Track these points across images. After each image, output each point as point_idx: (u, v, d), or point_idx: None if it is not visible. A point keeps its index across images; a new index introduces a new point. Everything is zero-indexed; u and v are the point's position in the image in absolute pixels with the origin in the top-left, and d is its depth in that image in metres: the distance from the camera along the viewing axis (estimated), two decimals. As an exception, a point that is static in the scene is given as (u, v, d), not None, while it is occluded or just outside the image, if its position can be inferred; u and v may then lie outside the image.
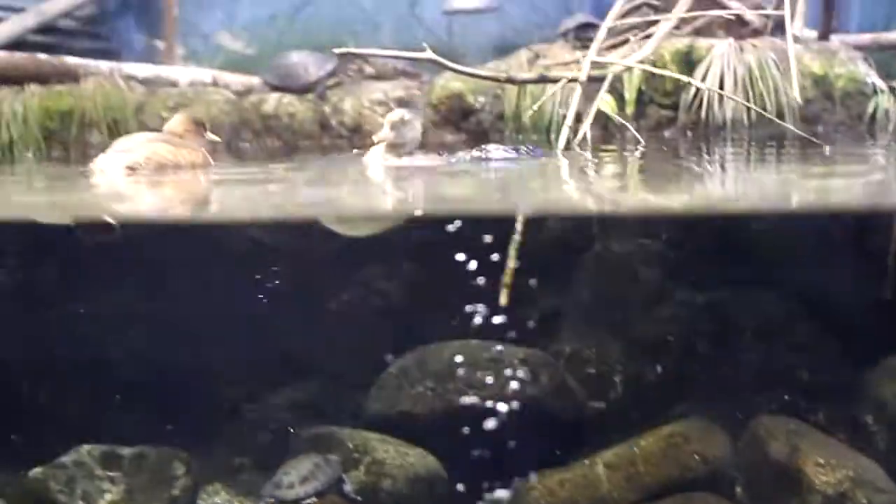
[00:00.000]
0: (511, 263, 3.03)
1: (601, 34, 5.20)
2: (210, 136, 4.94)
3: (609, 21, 5.24)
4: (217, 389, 5.03)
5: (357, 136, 7.41)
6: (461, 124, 7.48)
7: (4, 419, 4.93)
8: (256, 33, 11.83)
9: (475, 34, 11.57)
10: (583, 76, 5.00)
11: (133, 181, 4.39)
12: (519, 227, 3.09)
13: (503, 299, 3.11)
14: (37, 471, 4.54)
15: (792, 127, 5.46)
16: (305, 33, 11.79)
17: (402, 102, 7.53)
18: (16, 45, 9.39)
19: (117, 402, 4.97)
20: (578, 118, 5.22)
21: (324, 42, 11.31)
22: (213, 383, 5.01)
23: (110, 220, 3.08)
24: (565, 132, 4.96)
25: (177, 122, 4.86)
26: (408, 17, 11.75)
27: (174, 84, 8.38)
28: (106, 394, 5.00)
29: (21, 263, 3.32)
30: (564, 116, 6.74)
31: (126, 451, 4.63)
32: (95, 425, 4.87)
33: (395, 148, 4.75)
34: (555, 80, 5.86)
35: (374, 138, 4.80)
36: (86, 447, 4.61)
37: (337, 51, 5.82)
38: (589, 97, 5.42)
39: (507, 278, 3.06)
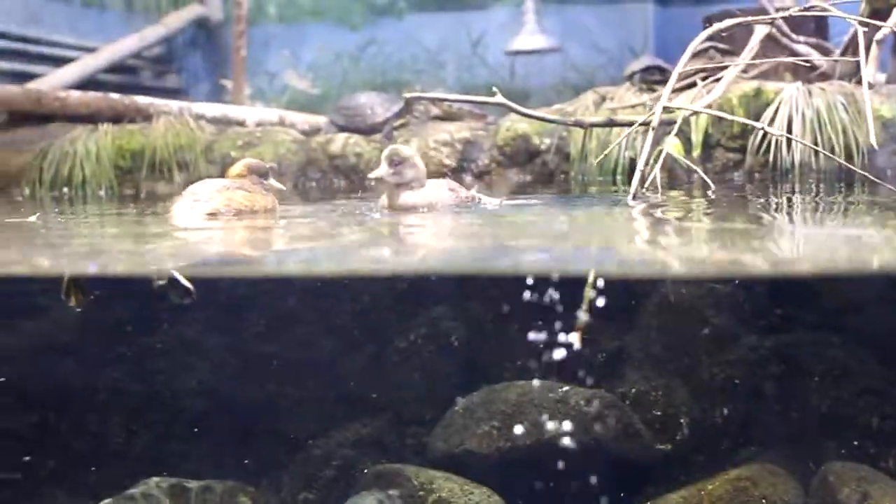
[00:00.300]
0: (584, 306, 3.03)
1: (672, 79, 5.19)
2: (272, 183, 4.97)
3: (680, 66, 5.23)
4: (284, 424, 5.07)
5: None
6: (527, 165, 7.52)
7: (75, 451, 5.02)
8: (322, 72, 12.04)
9: (538, 74, 11.68)
10: (655, 121, 4.99)
11: (212, 227, 4.48)
12: (592, 276, 3.09)
13: (577, 342, 3.12)
14: (106, 502, 4.58)
15: (878, 180, 5.36)
16: (370, 72, 11.99)
17: (468, 143, 7.60)
18: (87, 83, 9.65)
19: (186, 436, 5.03)
20: (646, 162, 5.21)
21: (388, 81, 11.52)
22: (280, 418, 5.05)
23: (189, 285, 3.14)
24: (637, 178, 4.94)
25: (238, 168, 4.92)
26: (470, 56, 11.90)
27: (241, 123, 8.51)
28: (175, 427, 5.07)
29: (99, 305, 3.38)
30: (631, 159, 6.80)
31: (193, 483, 4.67)
32: (164, 458, 4.93)
33: (396, 188, 4.64)
34: (623, 124, 5.87)
35: (371, 176, 4.68)
36: (154, 479, 4.64)
37: (406, 95, 5.88)
38: (655, 140, 5.42)
39: (580, 322, 3.07)
